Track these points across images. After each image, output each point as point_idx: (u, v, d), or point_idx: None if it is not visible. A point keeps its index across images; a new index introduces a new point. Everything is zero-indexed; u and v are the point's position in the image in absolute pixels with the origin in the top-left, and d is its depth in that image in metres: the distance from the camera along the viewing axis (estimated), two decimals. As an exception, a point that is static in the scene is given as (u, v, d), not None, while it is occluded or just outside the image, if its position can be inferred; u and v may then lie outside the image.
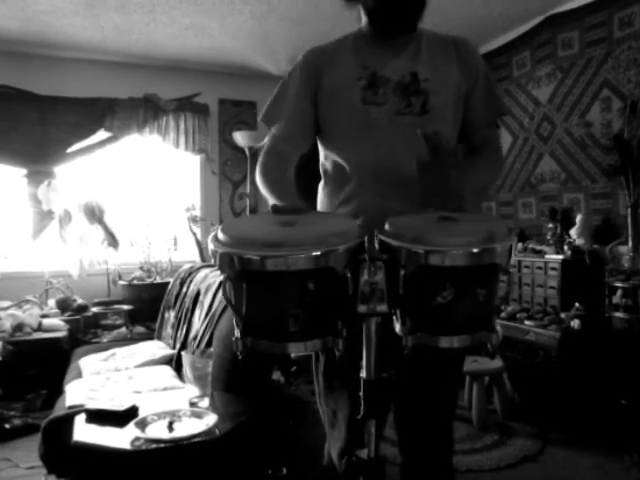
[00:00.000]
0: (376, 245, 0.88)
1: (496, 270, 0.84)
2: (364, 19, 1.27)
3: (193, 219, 4.30)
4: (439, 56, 1.25)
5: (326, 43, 1.32)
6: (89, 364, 2.54)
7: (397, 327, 0.89)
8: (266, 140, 1.34)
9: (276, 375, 2.35)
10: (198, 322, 2.45)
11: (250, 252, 0.79)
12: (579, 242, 3.01)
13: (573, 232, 3.05)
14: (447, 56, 1.26)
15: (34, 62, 4.02)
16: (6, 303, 3.58)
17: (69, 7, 3.31)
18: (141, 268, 4.17)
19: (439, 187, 1.08)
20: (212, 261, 0.85)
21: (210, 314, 2.31)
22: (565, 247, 3.02)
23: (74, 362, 2.69)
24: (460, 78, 1.25)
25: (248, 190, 4.59)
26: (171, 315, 2.98)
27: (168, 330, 2.95)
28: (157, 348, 2.73)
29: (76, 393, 2.07)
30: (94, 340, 3.47)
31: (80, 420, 1.65)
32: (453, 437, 1.34)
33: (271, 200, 1.21)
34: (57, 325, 3.41)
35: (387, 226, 0.91)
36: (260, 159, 1.31)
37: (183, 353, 1.97)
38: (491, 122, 1.34)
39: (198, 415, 1.65)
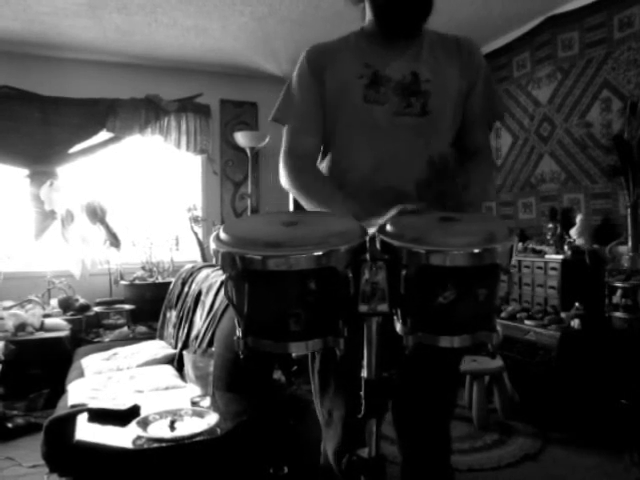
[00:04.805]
0: (377, 245, 0.89)
1: (497, 270, 0.84)
2: (369, 17, 1.27)
3: (194, 219, 4.31)
4: (441, 57, 1.25)
5: (328, 41, 1.32)
6: (91, 363, 2.55)
7: (398, 327, 0.89)
8: (283, 141, 1.32)
9: (277, 374, 2.36)
10: (200, 322, 2.46)
11: (252, 252, 0.79)
12: (579, 242, 3.01)
13: (573, 232, 3.05)
14: (449, 57, 1.26)
15: (36, 63, 4.04)
16: (9, 303, 3.60)
17: (71, 8, 3.32)
18: (143, 268, 4.18)
19: (437, 203, 1.10)
20: (214, 260, 0.86)
21: (211, 314, 2.32)
22: (565, 247, 3.03)
23: (76, 361, 2.70)
24: (461, 80, 1.25)
25: (249, 190, 4.60)
26: (173, 315, 2.99)
27: (170, 330, 2.96)
28: (159, 348, 2.74)
29: (78, 392, 2.08)
30: (96, 340, 3.48)
31: (82, 419, 1.66)
32: (450, 436, 1.35)
33: (315, 206, 1.22)
34: (59, 325, 3.42)
35: (388, 226, 0.92)
36: (282, 162, 1.29)
37: (185, 352, 1.98)
38: (486, 125, 1.35)
39: (200, 414, 1.66)
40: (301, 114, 1.29)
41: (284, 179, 1.29)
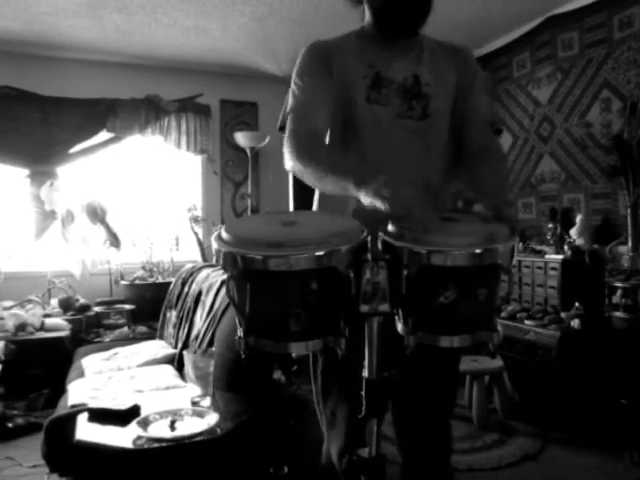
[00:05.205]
0: (379, 245, 0.89)
1: (497, 270, 0.84)
2: (368, 18, 1.27)
3: (195, 219, 4.31)
4: (441, 62, 1.27)
5: (328, 39, 1.30)
6: (91, 363, 2.55)
7: (399, 327, 0.89)
8: (287, 125, 1.25)
9: (277, 374, 2.36)
10: (200, 321, 2.46)
11: (253, 252, 0.79)
12: (579, 242, 3.01)
13: (573, 232, 3.06)
14: (448, 62, 1.27)
15: (36, 63, 4.04)
16: (9, 303, 3.60)
17: (71, 8, 3.32)
18: (143, 268, 4.18)
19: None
20: (214, 260, 0.86)
21: (212, 314, 2.32)
22: (565, 247, 3.03)
23: (76, 361, 2.70)
24: (459, 84, 1.27)
25: (250, 190, 4.60)
26: (173, 315, 2.99)
27: (170, 330, 2.96)
28: (159, 347, 2.74)
29: (78, 392, 2.08)
30: (96, 340, 3.48)
31: (82, 419, 1.66)
32: (451, 436, 1.35)
33: (325, 183, 1.13)
34: (59, 325, 3.42)
35: (389, 226, 0.92)
36: (287, 143, 1.21)
37: (185, 352, 1.98)
38: (486, 125, 1.34)
39: (200, 414, 1.66)
40: (305, 98, 1.23)
41: (287, 157, 1.21)
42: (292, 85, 1.29)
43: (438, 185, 1.23)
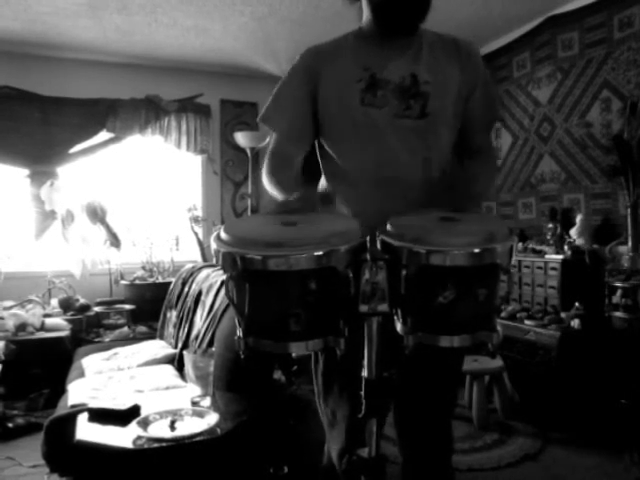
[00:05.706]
0: (378, 245, 0.89)
1: (497, 270, 0.85)
2: (366, 17, 1.26)
3: (195, 219, 4.31)
4: (440, 58, 1.24)
5: (324, 42, 1.31)
6: (91, 363, 2.55)
7: (398, 326, 0.89)
8: (270, 142, 1.34)
9: (277, 374, 2.36)
10: (200, 322, 2.46)
11: (252, 252, 0.80)
12: (579, 242, 3.01)
13: (573, 232, 3.05)
14: (448, 58, 1.25)
15: (36, 63, 4.04)
16: (9, 303, 3.60)
17: (71, 8, 3.32)
18: (143, 268, 4.19)
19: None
20: (214, 260, 0.86)
21: (212, 314, 2.32)
22: (565, 247, 3.03)
23: (76, 361, 2.70)
24: (460, 81, 1.24)
25: (250, 190, 4.60)
26: (173, 315, 2.99)
27: (170, 329, 2.96)
28: (159, 347, 2.74)
29: (78, 392, 2.08)
30: (96, 339, 3.48)
31: (82, 419, 1.66)
32: (452, 436, 1.35)
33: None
34: (60, 325, 3.42)
35: (389, 226, 0.92)
36: (265, 161, 1.32)
37: (185, 352, 1.98)
38: (486, 128, 1.35)
39: (200, 414, 1.66)
40: (289, 120, 1.29)
41: (264, 177, 1.31)
42: (284, 80, 1.31)
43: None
